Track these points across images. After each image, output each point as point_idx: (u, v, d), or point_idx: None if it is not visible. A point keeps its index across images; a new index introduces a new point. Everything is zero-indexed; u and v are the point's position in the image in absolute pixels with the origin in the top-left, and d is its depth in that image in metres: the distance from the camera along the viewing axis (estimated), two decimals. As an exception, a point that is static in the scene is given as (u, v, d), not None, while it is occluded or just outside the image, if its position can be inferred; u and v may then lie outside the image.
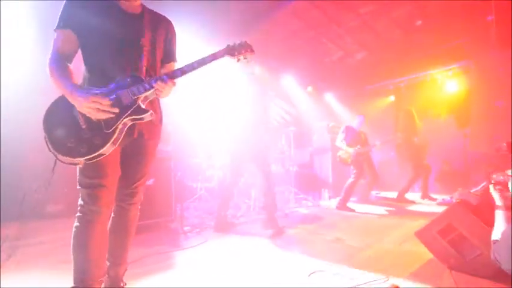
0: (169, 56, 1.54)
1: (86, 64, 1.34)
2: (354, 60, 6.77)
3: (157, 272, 1.88)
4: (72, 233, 1.27)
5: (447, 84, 6.18)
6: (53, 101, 1.26)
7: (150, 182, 2.70)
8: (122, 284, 1.47)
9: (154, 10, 1.52)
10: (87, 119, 1.22)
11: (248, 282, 1.72)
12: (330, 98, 7.82)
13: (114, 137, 1.24)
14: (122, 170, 1.39)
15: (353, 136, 4.56)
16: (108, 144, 1.23)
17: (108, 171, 1.29)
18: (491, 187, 1.59)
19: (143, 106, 1.30)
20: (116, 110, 1.22)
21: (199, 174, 4.24)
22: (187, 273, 1.88)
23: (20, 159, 3.45)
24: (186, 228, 2.88)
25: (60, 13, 1.29)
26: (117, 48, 1.33)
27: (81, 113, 1.21)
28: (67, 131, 1.21)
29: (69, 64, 1.31)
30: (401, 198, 4.93)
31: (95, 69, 1.31)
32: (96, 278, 1.28)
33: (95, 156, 1.21)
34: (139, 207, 1.51)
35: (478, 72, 5.70)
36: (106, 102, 1.19)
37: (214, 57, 1.42)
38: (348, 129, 4.61)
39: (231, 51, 1.47)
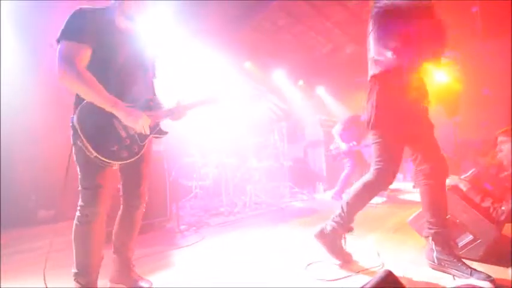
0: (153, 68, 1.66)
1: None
2: (343, 52, 6.80)
3: (154, 271, 1.87)
4: (73, 229, 1.41)
5: (436, 74, 6.27)
6: (81, 105, 1.30)
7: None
8: (131, 266, 1.63)
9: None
10: (126, 129, 1.39)
11: (246, 276, 1.73)
12: (321, 91, 7.85)
13: (145, 148, 1.47)
14: (126, 175, 1.56)
15: (355, 129, 4.27)
16: (141, 153, 1.45)
17: (109, 174, 1.41)
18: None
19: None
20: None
21: (193, 173, 4.22)
22: (184, 271, 1.88)
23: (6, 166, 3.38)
24: (182, 227, 2.87)
25: (69, 23, 1.30)
26: (130, 67, 1.44)
27: (120, 123, 1.36)
28: (110, 137, 1.34)
29: None
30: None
31: (105, 86, 1.33)
32: (95, 267, 1.44)
33: (131, 161, 1.39)
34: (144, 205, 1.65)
35: (465, 62, 5.81)
36: (149, 121, 1.41)
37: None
38: (351, 121, 4.30)
39: (210, 102, 1.69)
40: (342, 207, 1.80)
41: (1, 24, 3.20)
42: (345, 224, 1.79)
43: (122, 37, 1.42)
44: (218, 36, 4.94)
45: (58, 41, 1.30)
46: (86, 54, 1.32)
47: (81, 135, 1.26)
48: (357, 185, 1.76)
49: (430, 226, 1.67)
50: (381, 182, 1.68)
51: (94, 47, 1.33)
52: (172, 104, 1.59)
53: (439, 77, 6.23)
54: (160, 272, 1.87)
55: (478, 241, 1.73)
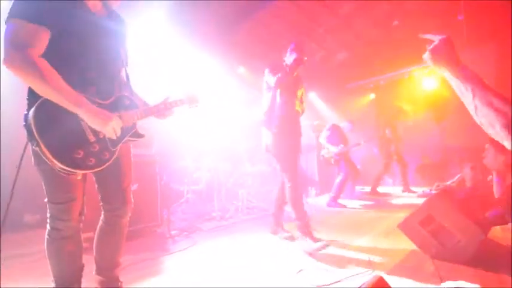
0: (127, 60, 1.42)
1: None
2: (335, 59, 6.92)
3: (145, 278, 1.84)
4: (45, 243, 1.26)
5: (424, 81, 6.44)
6: (40, 101, 1.04)
7: (134, 187, 2.63)
8: (119, 284, 1.45)
9: (132, 9, 1.48)
10: (95, 132, 1.15)
11: (238, 281, 1.72)
12: (313, 97, 7.93)
13: (117, 154, 1.24)
14: (103, 180, 1.36)
15: (338, 135, 4.59)
16: (112, 160, 1.22)
17: (80, 184, 1.25)
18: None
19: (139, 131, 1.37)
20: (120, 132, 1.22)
21: (185, 177, 4.18)
22: (176, 277, 1.85)
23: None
24: (173, 232, 2.84)
25: (26, 0, 1.03)
26: (102, 59, 1.23)
27: (90, 126, 1.12)
28: (74, 141, 1.11)
29: None
30: (373, 192, 5.15)
31: (69, 80, 1.08)
32: (76, 277, 1.31)
33: (99, 170, 1.18)
34: (129, 214, 1.44)
35: (452, 69, 5.98)
36: (121, 123, 1.20)
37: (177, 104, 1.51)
38: (334, 128, 4.64)
39: (190, 102, 1.57)
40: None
41: (1, 24, 3.13)
42: (303, 219, 2.41)
43: (94, 21, 1.18)
44: (212, 40, 4.95)
45: (6, 20, 1.03)
46: (42, 39, 1.05)
47: (38, 138, 1.01)
48: (287, 194, 2.46)
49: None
50: (295, 185, 2.42)
51: (56, 30, 1.07)
52: (158, 101, 1.43)
53: (428, 84, 6.40)
54: (151, 278, 1.84)
55: (465, 245, 1.77)
